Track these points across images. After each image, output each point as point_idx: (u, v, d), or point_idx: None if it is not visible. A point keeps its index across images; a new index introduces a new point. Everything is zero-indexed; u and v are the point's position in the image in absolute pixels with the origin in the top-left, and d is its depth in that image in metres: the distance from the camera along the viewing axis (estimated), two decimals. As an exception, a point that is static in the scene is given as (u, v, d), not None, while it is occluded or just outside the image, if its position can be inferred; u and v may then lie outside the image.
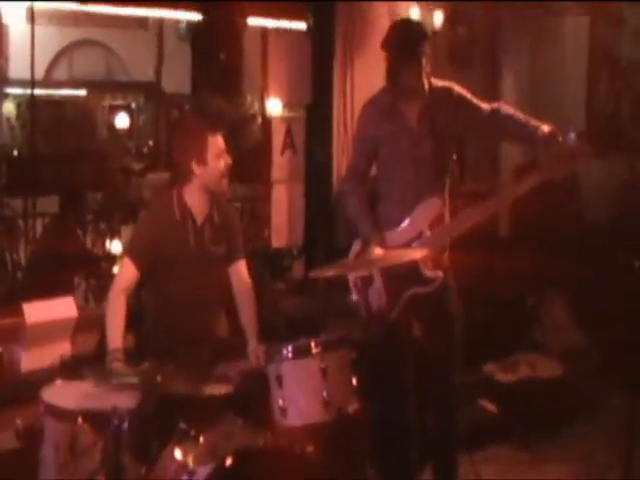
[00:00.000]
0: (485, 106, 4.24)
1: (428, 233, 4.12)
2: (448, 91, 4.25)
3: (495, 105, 4.26)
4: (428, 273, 4.11)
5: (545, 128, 4.06)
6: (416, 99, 4.18)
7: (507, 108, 4.25)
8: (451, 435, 4.36)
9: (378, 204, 4.34)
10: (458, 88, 4.27)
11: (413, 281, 4.11)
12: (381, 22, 6.03)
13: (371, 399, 3.73)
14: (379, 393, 4.09)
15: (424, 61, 4.08)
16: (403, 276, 4.06)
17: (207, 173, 4.03)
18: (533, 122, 4.13)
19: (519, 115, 4.18)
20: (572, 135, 4.03)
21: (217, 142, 4.05)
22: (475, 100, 4.25)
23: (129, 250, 4.11)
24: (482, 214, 4.12)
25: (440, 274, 4.13)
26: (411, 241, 4.13)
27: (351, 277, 4.26)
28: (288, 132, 6.44)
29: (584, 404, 5.81)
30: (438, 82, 4.24)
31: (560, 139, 4.02)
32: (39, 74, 13.23)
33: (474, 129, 4.34)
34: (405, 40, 4.10)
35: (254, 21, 7.04)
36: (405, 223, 4.18)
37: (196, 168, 4.02)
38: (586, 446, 5.31)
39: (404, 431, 4.31)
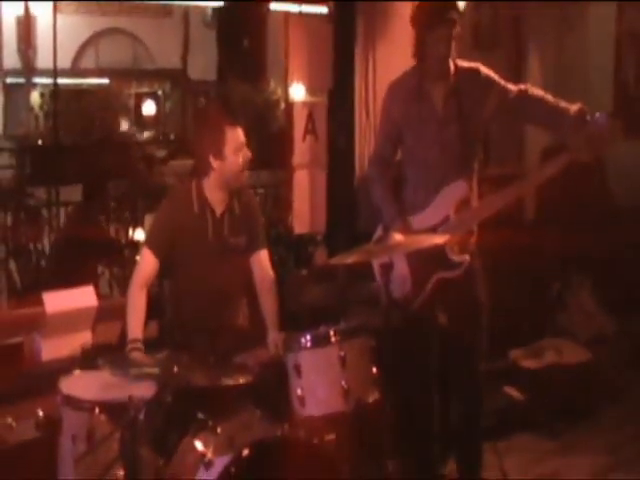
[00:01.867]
0: (513, 87, 4.14)
1: (454, 217, 4.05)
2: (475, 72, 4.14)
3: (522, 87, 4.16)
4: (454, 257, 4.05)
5: (574, 108, 3.97)
6: (442, 80, 4.09)
7: (535, 90, 4.14)
8: (476, 427, 4.28)
9: (403, 188, 4.27)
10: (485, 69, 4.16)
11: (439, 265, 4.05)
12: (402, 6, 5.94)
13: (393, 388, 3.68)
14: (401, 382, 4.03)
15: (453, 32, 3.95)
16: (429, 260, 3.99)
17: (225, 168, 3.95)
18: (562, 104, 4.03)
19: (548, 97, 4.09)
20: (601, 115, 3.93)
21: (236, 136, 3.96)
22: (503, 82, 4.15)
23: (148, 240, 4.09)
24: (509, 197, 4.05)
25: (467, 258, 4.07)
26: (437, 225, 4.06)
27: (374, 263, 4.21)
28: (310, 117, 6.37)
29: (612, 391, 5.74)
30: (464, 63, 4.15)
31: (589, 118, 3.92)
32: (67, 63, 13.38)
33: (502, 111, 4.17)
34: (434, 8, 3.98)
35: (276, 6, 6.98)
36: (430, 207, 4.11)
37: (214, 162, 3.94)
38: (613, 436, 5.23)
39: (427, 422, 4.24)
